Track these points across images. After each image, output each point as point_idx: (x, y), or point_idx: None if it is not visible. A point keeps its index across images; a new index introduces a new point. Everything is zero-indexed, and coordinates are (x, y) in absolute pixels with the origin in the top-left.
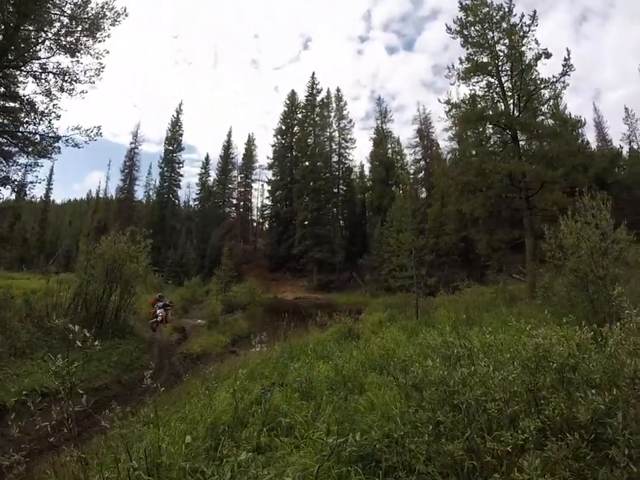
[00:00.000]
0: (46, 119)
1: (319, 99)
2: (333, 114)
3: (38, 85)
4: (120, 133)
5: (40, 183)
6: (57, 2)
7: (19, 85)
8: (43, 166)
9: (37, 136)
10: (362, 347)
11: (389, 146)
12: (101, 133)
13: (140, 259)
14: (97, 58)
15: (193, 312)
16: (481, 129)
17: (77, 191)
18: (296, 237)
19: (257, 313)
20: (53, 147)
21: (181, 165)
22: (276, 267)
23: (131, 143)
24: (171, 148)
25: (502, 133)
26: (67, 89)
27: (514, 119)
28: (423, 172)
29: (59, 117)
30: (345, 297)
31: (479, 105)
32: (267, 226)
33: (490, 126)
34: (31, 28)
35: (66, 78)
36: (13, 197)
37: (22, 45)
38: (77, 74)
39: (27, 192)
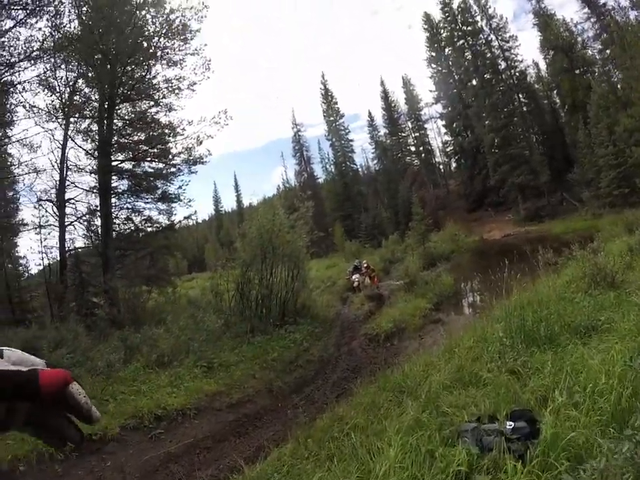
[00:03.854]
0: (176, 133)
1: (455, 6)
2: (478, 17)
3: (157, 105)
4: (285, 128)
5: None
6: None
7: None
8: (197, 172)
9: (180, 147)
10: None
11: (560, 30)
12: (230, 117)
13: (297, 228)
14: (198, 54)
15: (394, 272)
16: None
17: (268, 190)
18: (489, 165)
19: (463, 261)
20: (197, 154)
21: (348, 131)
22: (475, 205)
23: (293, 128)
24: (331, 119)
25: None
26: (184, 94)
27: None
28: (610, 48)
29: (190, 122)
30: (561, 225)
31: None
32: (453, 164)
33: None
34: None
35: (179, 84)
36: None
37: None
38: (187, 77)
39: (181, 199)
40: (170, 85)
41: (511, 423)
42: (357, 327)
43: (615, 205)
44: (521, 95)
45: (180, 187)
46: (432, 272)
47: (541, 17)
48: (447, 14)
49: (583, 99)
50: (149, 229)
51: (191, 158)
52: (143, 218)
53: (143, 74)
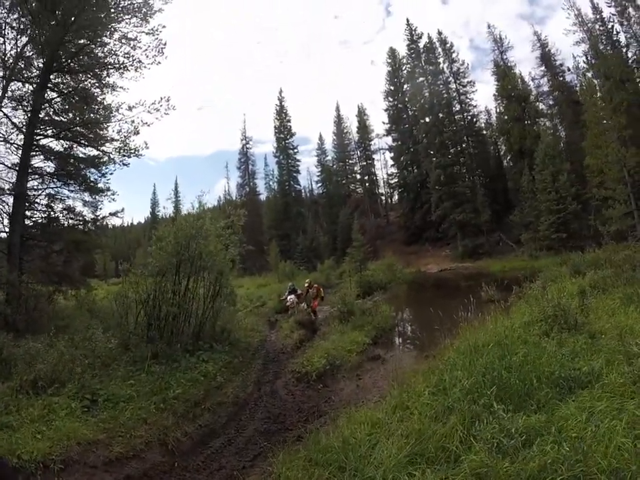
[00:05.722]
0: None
1: (421, 45)
2: (441, 60)
3: (99, 82)
4: (235, 140)
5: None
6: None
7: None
8: (129, 165)
9: (115, 134)
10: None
11: (517, 81)
12: (172, 107)
13: (224, 237)
14: (154, 34)
15: (327, 297)
16: None
17: (209, 201)
18: (432, 200)
19: (401, 292)
20: (133, 145)
21: (296, 151)
22: (413, 238)
23: (242, 140)
24: (282, 136)
25: None
26: (130, 76)
27: None
28: (557, 107)
29: (131, 108)
30: (498, 263)
31: None
32: (396, 197)
33: None
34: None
35: (126, 63)
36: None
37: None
38: (137, 56)
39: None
40: (116, 60)
41: None
42: (283, 359)
43: (551, 248)
44: (470, 138)
45: (104, 175)
46: (368, 301)
47: (499, 68)
48: (412, 51)
49: (530, 147)
50: (71, 221)
51: (126, 148)
52: (63, 207)
53: (89, 42)
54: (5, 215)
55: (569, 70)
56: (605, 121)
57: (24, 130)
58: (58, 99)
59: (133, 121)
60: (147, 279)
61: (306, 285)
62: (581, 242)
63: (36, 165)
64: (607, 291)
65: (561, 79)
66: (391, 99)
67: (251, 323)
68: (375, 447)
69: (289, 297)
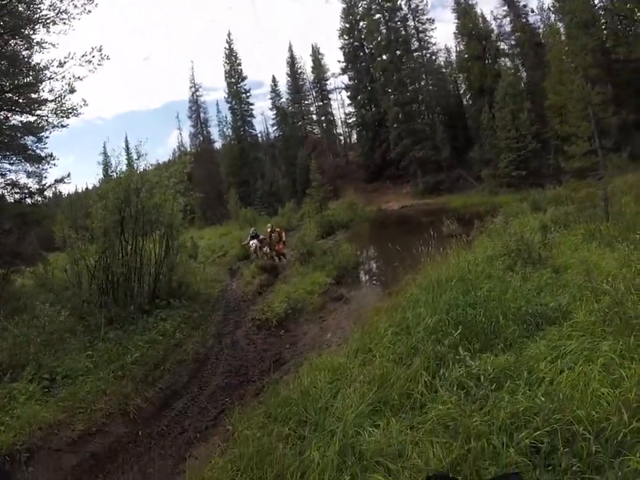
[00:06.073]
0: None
1: None
2: None
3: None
4: (186, 91)
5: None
6: None
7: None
8: (67, 126)
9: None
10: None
11: (478, 20)
12: (106, 57)
13: (171, 187)
14: None
15: (289, 240)
16: None
17: (163, 155)
18: (391, 138)
19: (363, 231)
20: (68, 105)
21: (249, 95)
22: (373, 176)
23: (191, 88)
24: (233, 80)
25: None
26: (57, 29)
27: None
28: (519, 47)
29: (62, 64)
30: (459, 199)
31: None
32: (354, 136)
33: None
34: None
35: (52, 16)
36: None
37: None
38: (65, 8)
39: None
40: (41, 15)
41: None
42: (244, 307)
43: (511, 185)
44: (428, 76)
45: (40, 140)
46: (330, 240)
47: (460, 5)
48: None
49: (490, 85)
50: (17, 196)
51: (62, 108)
52: (6, 182)
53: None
54: None
55: (532, 11)
56: (568, 60)
57: None
58: None
59: (64, 77)
60: (92, 242)
61: (268, 229)
62: (541, 180)
63: None
64: (568, 227)
65: (524, 20)
66: (347, 37)
67: (211, 273)
68: (336, 396)
69: (251, 242)
